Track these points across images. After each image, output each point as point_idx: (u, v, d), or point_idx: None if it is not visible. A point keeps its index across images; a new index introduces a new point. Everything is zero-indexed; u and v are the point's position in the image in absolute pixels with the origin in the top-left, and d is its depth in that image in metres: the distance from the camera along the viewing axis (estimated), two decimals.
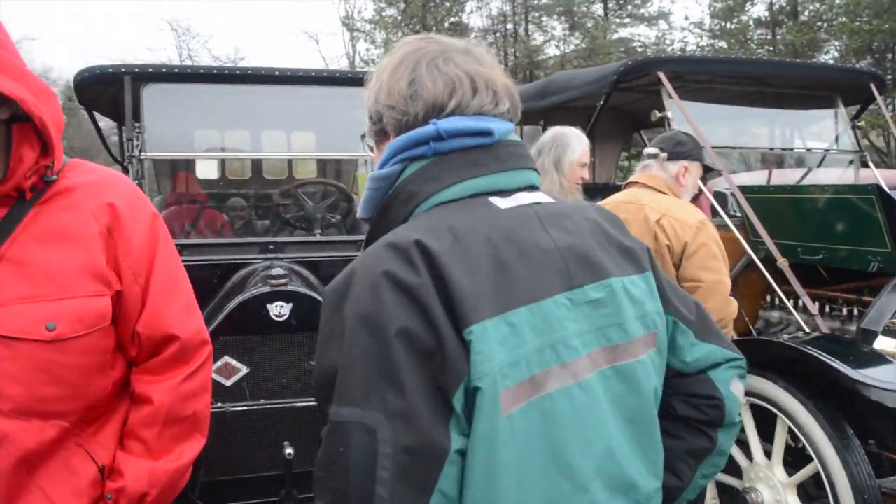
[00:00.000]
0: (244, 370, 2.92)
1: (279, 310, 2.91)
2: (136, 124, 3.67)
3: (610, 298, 1.09)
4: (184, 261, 3.68)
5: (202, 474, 2.97)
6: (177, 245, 3.61)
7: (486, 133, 1.10)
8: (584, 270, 1.08)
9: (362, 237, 3.95)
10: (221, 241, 4.25)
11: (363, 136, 1.25)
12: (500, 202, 1.09)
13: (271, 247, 3.84)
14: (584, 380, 1.02)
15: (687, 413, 1.23)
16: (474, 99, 1.11)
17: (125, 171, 3.68)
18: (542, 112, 5.42)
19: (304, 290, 3.00)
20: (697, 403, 1.23)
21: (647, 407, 1.10)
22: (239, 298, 2.96)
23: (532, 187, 1.16)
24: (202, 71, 3.84)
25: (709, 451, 1.24)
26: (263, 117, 4.56)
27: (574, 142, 3.51)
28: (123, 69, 3.59)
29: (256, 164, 6.07)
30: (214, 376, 2.91)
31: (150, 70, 3.61)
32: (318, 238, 4.22)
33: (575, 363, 1.02)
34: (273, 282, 2.93)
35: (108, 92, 3.77)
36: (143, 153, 3.69)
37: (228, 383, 2.90)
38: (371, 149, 1.24)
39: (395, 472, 0.90)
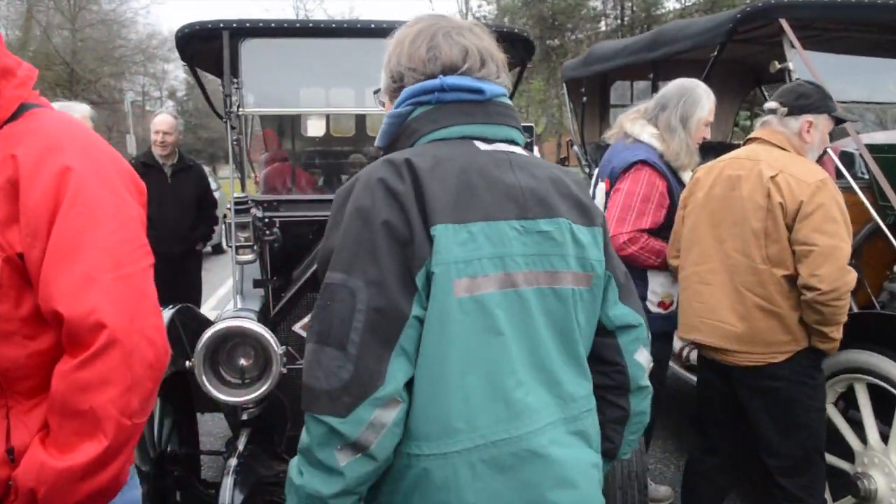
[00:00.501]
0: None
1: None
2: (235, 80, 3.71)
3: (557, 233, 1.35)
4: (279, 217, 3.81)
5: (289, 428, 3.02)
6: (270, 201, 3.66)
7: (479, 91, 1.39)
8: (539, 207, 1.35)
9: None
10: (315, 196, 4.28)
11: (376, 92, 1.53)
12: (482, 146, 1.37)
13: None
14: (521, 289, 1.30)
15: (598, 381, 1.46)
16: (483, 68, 1.41)
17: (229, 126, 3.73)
18: (651, 65, 5.11)
19: None
20: (605, 370, 1.48)
21: (574, 329, 1.37)
22: (304, 272, 2.96)
23: (512, 142, 1.43)
24: (299, 25, 3.83)
25: (626, 417, 1.51)
26: (366, 72, 4.53)
27: (703, 97, 3.25)
28: (222, 24, 3.62)
29: (360, 122, 6.07)
30: (301, 332, 2.93)
31: (248, 25, 3.62)
32: None
33: (516, 275, 1.30)
34: None
35: (209, 48, 3.81)
36: (241, 108, 3.73)
37: None
38: (383, 104, 1.51)
39: (366, 324, 1.20)
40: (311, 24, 3.75)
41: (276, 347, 2.61)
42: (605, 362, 1.49)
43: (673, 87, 3.32)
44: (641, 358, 1.52)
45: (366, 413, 1.18)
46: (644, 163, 3.20)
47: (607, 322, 1.48)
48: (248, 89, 3.80)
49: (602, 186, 3.45)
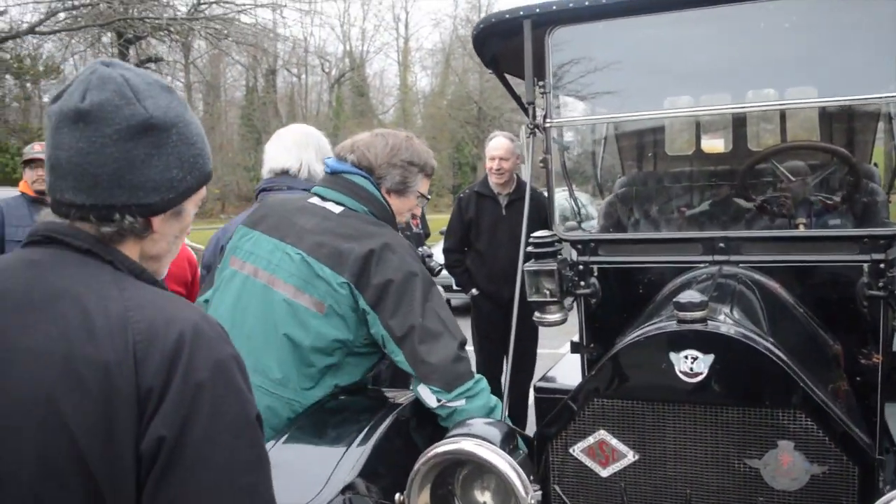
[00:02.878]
0: (629, 457, 1.79)
1: (689, 363, 1.70)
2: (540, 83, 2.80)
3: (292, 256, 2.03)
4: (601, 263, 2.79)
5: None
6: (587, 242, 2.62)
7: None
8: (293, 236, 2.06)
9: (876, 231, 2.45)
10: (637, 235, 3.14)
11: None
12: (312, 199, 2.21)
13: (721, 244, 2.60)
14: (248, 275, 2.09)
15: None
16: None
17: (531, 144, 2.83)
18: None
19: (735, 331, 1.73)
20: None
21: (274, 325, 1.99)
22: (628, 338, 1.85)
23: (325, 199, 2.17)
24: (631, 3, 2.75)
25: None
26: (735, 67, 3.25)
27: None
28: (521, 13, 2.74)
29: (740, 129, 4.63)
30: (584, 459, 1.85)
31: (555, 7, 2.68)
32: (800, 232, 2.79)
33: (250, 266, 2.09)
34: (683, 314, 1.73)
35: (512, 45, 2.96)
36: (547, 120, 2.81)
37: (605, 473, 1.81)
38: None
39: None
40: None
41: (525, 490, 1.60)
42: None
43: None
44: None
45: None
46: None
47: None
48: (561, 93, 2.87)
49: None
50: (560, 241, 2.81)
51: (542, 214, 4.82)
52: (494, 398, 2.06)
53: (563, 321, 2.81)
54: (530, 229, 4.94)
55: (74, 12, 14.25)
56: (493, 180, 4.76)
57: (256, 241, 2.11)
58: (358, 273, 1.95)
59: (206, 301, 2.23)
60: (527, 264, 2.73)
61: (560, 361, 3.66)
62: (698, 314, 1.71)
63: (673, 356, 1.72)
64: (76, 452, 0.96)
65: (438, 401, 1.94)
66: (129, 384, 0.97)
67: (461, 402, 1.94)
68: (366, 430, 1.86)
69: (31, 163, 4.32)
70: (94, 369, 0.97)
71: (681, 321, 1.73)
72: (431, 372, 1.93)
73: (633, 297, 2.76)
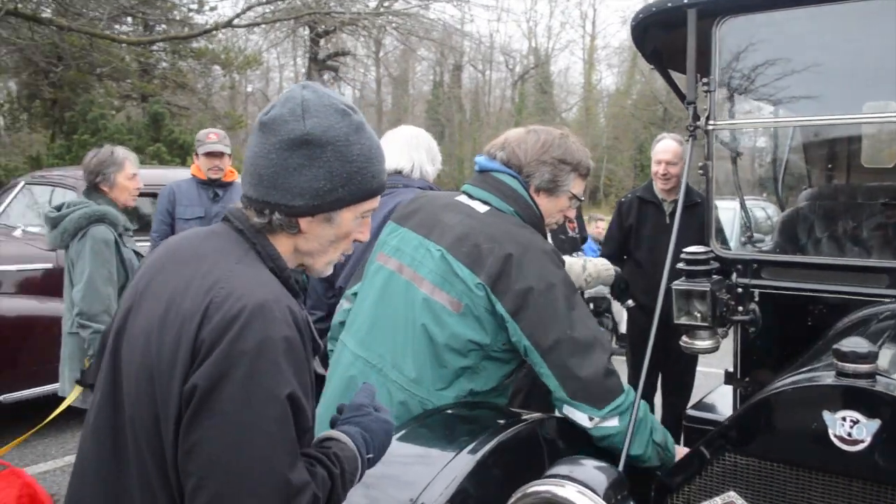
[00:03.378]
0: None
1: (848, 427, 1.38)
2: (703, 80, 2.49)
3: (433, 252, 1.97)
4: (767, 287, 2.43)
5: None
6: (750, 262, 2.28)
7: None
8: (437, 233, 1.99)
9: None
10: (811, 259, 2.70)
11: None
12: (460, 196, 2.12)
13: None
14: (392, 271, 2.04)
15: None
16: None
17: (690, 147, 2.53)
18: None
19: None
20: None
21: (413, 320, 1.94)
22: (776, 385, 1.54)
23: (472, 197, 2.08)
24: None
25: None
26: None
27: None
28: (686, 1, 2.44)
29: None
30: None
31: None
32: None
33: (395, 262, 2.04)
34: (844, 365, 1.40)
35: (674, 38, 2.66)
36: (710, 122, 2.49)
37: None
38: None
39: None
40: None
41: None
42: None
43: None
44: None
45: None
46: None
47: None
48: (728, 92, 2.54)
49: None
50: (716, 258, 2.49)
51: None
52: (651, 417, 1.92)
53: (715, 349, 2.49)
54: (691, 242, 4.55)
55: (271, 6, 15.14)
56: (658, 186, 4.39)
57: (403, 237, 2.08)
58: (495, 276, 1.86)
59: (355, 294, 2.20)
60: (676, 282, 2.44)
61: (720, 386, 3.31)
62: (864, 367, 1.38)
63: (827, 416, 1.40)
64: (151, 380, 1.16)
65: (591, 419, 1.81)
66: (192, 335, 1.14)
67: (614, 422, 1.81)
68: (472, 445, 1.69)
69: (210, 155, 4.56)
70: (178, 317, 1.16)
71: (841, 373, 1.41)
72: (582, 388, 1.81)
73: (799, 329, 2.40)
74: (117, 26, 15.12)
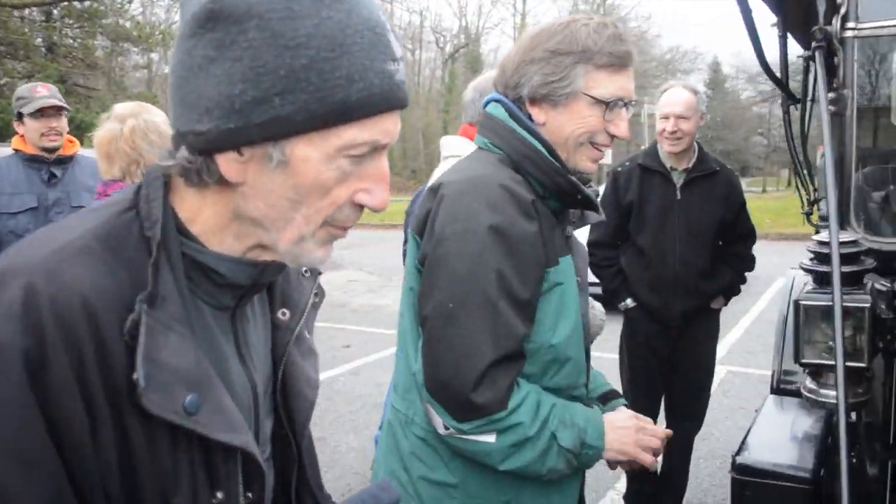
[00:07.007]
0: None
1: None
2: None
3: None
4: None
5: None
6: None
7: None
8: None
9: None
10: None
11: None
12: None
13: None
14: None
15: None
16: None
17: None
18: None
19: None
20: None
21: None
22: None
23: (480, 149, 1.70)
24: None
25: None
26: None
27: None
28: None
29: None
30: None
31: None
32: None
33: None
34: None
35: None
36: (849, 24, 1.57)
37: None
38: None
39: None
40: None
41: None
42: None
43: None
44: None
45: None
46: None
47: None
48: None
49: None
50: (868, 251, 1.57)
51: (736, 201, 3.51)
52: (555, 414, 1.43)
53: (863, 404, 1.59)
54: (717, 215, 3.61)
55: None
56: (665, 148, 3.44)
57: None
58: (422, 220, 1.54)
59: (412, 289, 1.58)
60: (804, 295, 1.52)
61: (763, 413, 2.46)
62: None
63: None
64: None
65: (446, 428, 1.43)
66: None
67: (489, 437, 1.41)
68: None
69: (42, 114, 3.38)
70: None
71: None
72: (442, 387, 1.43)
73: None
74: None
